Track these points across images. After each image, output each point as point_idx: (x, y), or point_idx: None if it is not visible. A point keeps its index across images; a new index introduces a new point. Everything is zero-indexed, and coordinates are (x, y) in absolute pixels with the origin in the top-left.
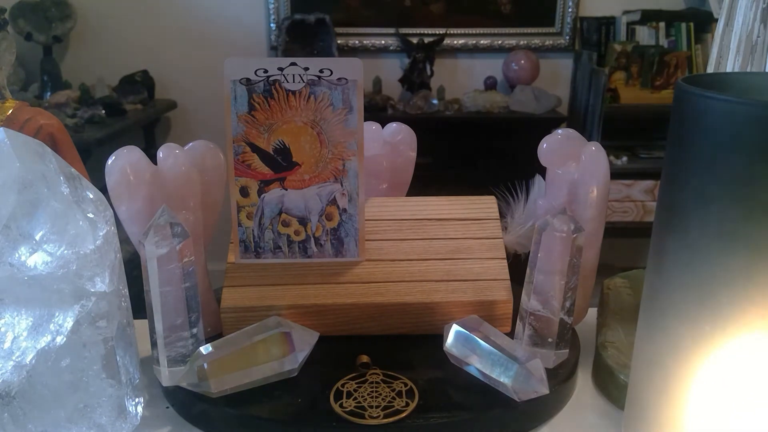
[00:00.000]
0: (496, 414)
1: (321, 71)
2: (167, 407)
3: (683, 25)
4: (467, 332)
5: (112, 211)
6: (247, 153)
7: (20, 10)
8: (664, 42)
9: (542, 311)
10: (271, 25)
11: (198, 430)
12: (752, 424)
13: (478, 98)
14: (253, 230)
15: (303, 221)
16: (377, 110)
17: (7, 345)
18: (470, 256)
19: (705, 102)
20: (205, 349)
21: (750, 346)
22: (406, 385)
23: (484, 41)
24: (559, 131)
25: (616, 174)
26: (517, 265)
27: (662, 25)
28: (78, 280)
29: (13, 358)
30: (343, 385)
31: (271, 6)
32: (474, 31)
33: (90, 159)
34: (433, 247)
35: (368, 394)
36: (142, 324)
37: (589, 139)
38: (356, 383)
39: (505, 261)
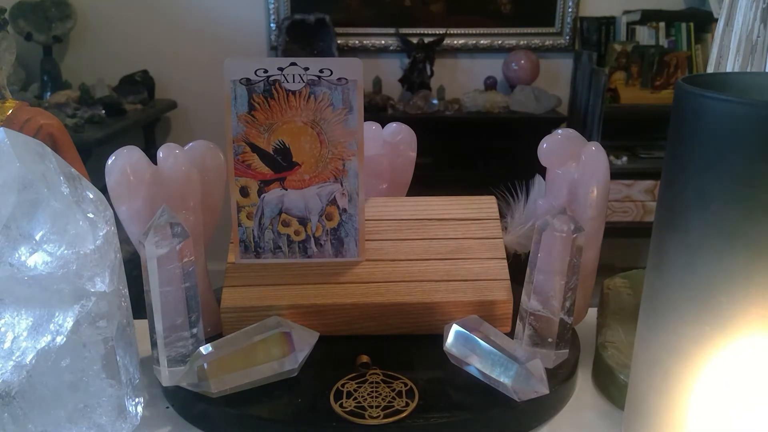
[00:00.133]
0: (496, 414)
1: (321, 71)
2: (167, 407)
3: (683, 25)
4: (467, 332)
5: (112, 211)
6: (247, 153)
7: (20, 10)
8: (664, 42)
9: (542, 311)
10: (271, 25)
11: (198, 430)
12: (753, 424)
13: (478, 98)
14: (253, 230)
15: (303, 221)
16: (377, 110)
17: (7, 345)
18: (470, 256)
19: (705, 102)
20: (205, 349)
21: (750, 346)
22: (406, 385)
23: (484, 41)
24: (559, 131)
25: (616, 174)
26: (517, 265)
27: (662, 25)
28: (78, 280)
29: (13, 358)
30: (343, 385)
31: (271, 6)
32: (474, 31)
33: (90, 159)
34: (433, 247)
35: (368, 394)
36: (142, 324)
37: (589, 139)
38: (356, 383)
39: (505, 261)
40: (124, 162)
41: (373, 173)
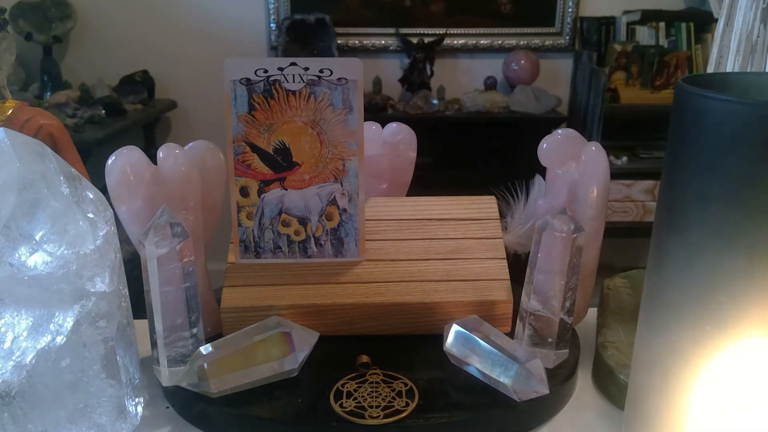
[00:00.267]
0: (496, 414)
1: (321, 71)
2: (167, 407)
3: (683, 25)
4: (467, 332)
5: (112, 211)
6: (247, 153)
7: (20, 10)
8: (664, 42)
9: (542, 311)
10: (271, 25)
11: (198, 430)
12: (753, 424)
13: (478, 98)
14: (253, 230)
15: (303, 221)
16: (377, 110)
17: (7, 345)
18: (470, 256)
19: (705, 102)
20: (205, 349)
21: (750, 346)
22: (406, 385)
23: (484, 41)
24: (559, 131)
25: (616, 174)
26: (517, 265)
27: (662, 25)
28: (78, 280)
29: (13, 358)
30: (343, 385)
31: (271, 6)
32: (474, 31)
33: (90, 159)
34: (433, 247)
35: (368, 394)
36: (142, 324)
37: (589, 139)
38: (356, 383)
39: (505, 261)
40: (124, 162)
41: (373, 173)
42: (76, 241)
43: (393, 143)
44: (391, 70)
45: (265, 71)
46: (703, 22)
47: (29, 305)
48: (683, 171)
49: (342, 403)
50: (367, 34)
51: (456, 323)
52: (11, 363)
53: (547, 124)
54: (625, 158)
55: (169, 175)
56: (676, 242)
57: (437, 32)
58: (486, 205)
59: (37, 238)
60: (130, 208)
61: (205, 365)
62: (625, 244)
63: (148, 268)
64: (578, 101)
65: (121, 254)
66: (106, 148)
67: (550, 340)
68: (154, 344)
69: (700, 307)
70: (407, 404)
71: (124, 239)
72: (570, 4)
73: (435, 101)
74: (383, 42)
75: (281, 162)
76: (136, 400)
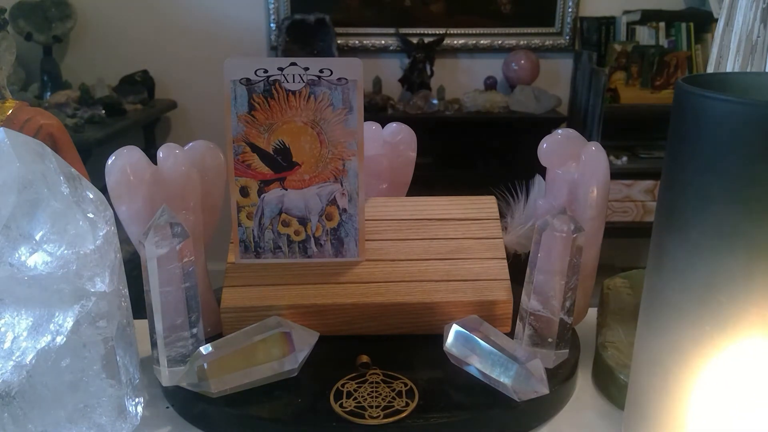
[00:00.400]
0: (496, 414)
1: (321, 71)
2: (167, 407)
3: (683, 25)
4: (467, 332)
5: (112, 211)
6: (247, 153)
7: (20, 10)
8: (664, 42)
9: (542, 311)
10: (271, 25)
11: (198, 430)
12: (753, 424)
13: (478, 98)
14: (253, 230)
15: (303, 221)
16: (377, 110)
17: (7, 345)
18: (470, 256)
19: (705, 102)
20: (205, 349)
21: (750, 346)
22: (406, 385)
23: (484, 41)
24: (559, 131)
25: (616, 174)
26: (517, 265)
27: (662, 25)
28: (78, 280)
29: (13, 358)
30: (343, 385)
31: (271, 6)
32: (474, 31)
33: (90, 159)
34: (433, 247)
35: (368, 394)
36: (142, 324)
37: (589, 139)
38: (356, 383)
39: (505, 261)
40: (124, 162)
41: (373, 173)
42: (76, 241)
43: (393, 143)
44: (391, 70)
45: (265, 71)
46: (703, 22)
47: (29, 305)
48: (683, 171)
49: (342, 403)
50: (367, 34)
51: (456, 323)
52: (11, 363)
53: (547, 124)
54: (625, 158)
55: (169, 175)
56: (676, 242)
57: (437, 32)
58: (486, 205)
59: (37, 238)
60: (130, 208)
61: (205, 365)
62: (625, 244)
63: (148, 268)
64: (578, 101)
65: (121, 254)
66: (106, 148)
67: (550, 340)
68: (154, 344)
69: (700, 307)
70: (407, 404)
71: (124, 239)
72: (570, 4)
73: (435, 101)
74: (383, 42)
75: (281, 162)
76: (136, 400)
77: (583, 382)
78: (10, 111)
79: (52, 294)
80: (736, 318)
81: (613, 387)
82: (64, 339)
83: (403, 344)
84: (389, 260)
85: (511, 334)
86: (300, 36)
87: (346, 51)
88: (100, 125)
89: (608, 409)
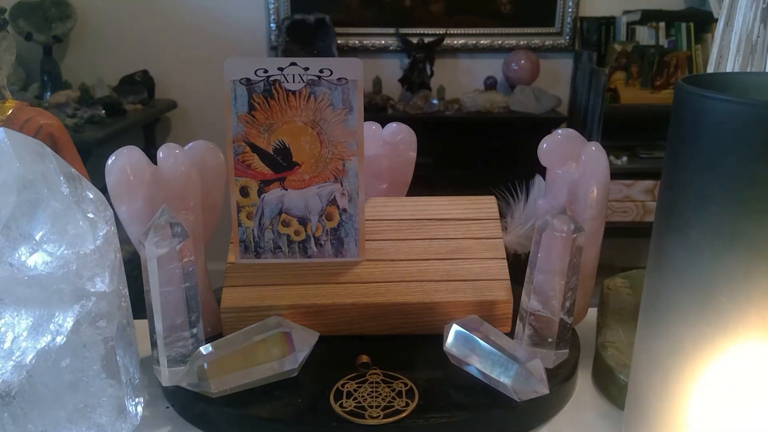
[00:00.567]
0: (496, 414)
1: (321, 71)
2: (167, 407)
3: (683, 25)
4: (467, 332)
5: (112, 211)
6: (247, 153)
7: (20, 10)
8: (664, 42)
9: (542, 311)
10: (271, 25)
11: (198, 430)
12: (753, 425)
13: (478, 98)
14: (253, 230)
15: (303, 221)
16: (377, 110)
17: (7, 345)
18: (470, 256)
19: (705, 102)
20: (205, 349)
21: (750, 346)
22: (406, 385)
23: (484, 41)
24: (559, 131)
25: (616, 174)
26: (517, 265)
27: (662, 25)
28: (78, 280)
29: (13, 358)
30: (343, 385)
31: (271, 6)
32: (474, 31)
33: (90, 159)
34: (433, 247)
35: (368, 394)
36: (142, 324)
37: (589, 139)
38: (356, 383)
39: (505, 261)
40: (124, 162)
41: (373, 173)
42: (76, 241)
43: (393, 143)
44: (391, 70)
45: (265, 71)
46: (703, 22)
47: (29, 305)
48: (683, 171)
49: (342, 403)
50: (367, 34)
51: (456, 323)
52: (11, 363)
53: (547, 124)
54: (625, 158)
55: (169, 175)
56: (676, 242)
57: (437, 32)
58: (486, 205)
59: (37, 238)
60: (130, 208)
61: (205, 365)
62: (625, 244)
63: (148, 268)
64: (578, 101)
65: (121, 254)
66: (106, 148)
67: (550, 340)
68: (154, 344)
69: (700, 307)
70: (407, 404)
71: (124, 239)
72: (570, 4)
73: (435, 101)
74: (383, 42)
75: (281, 162)
76: (136, 400)
77: (583, 382)
78: (10, 111)
79: (52, 294)
80: (736, 319)
81: (613, 387)
82: (64, 339)
83: (403, 344)
84: (389, 260)
85: (511, 334)
86: (300, 36)
87: (346, 51)
88: (100, 125)
89: (608, 409)
